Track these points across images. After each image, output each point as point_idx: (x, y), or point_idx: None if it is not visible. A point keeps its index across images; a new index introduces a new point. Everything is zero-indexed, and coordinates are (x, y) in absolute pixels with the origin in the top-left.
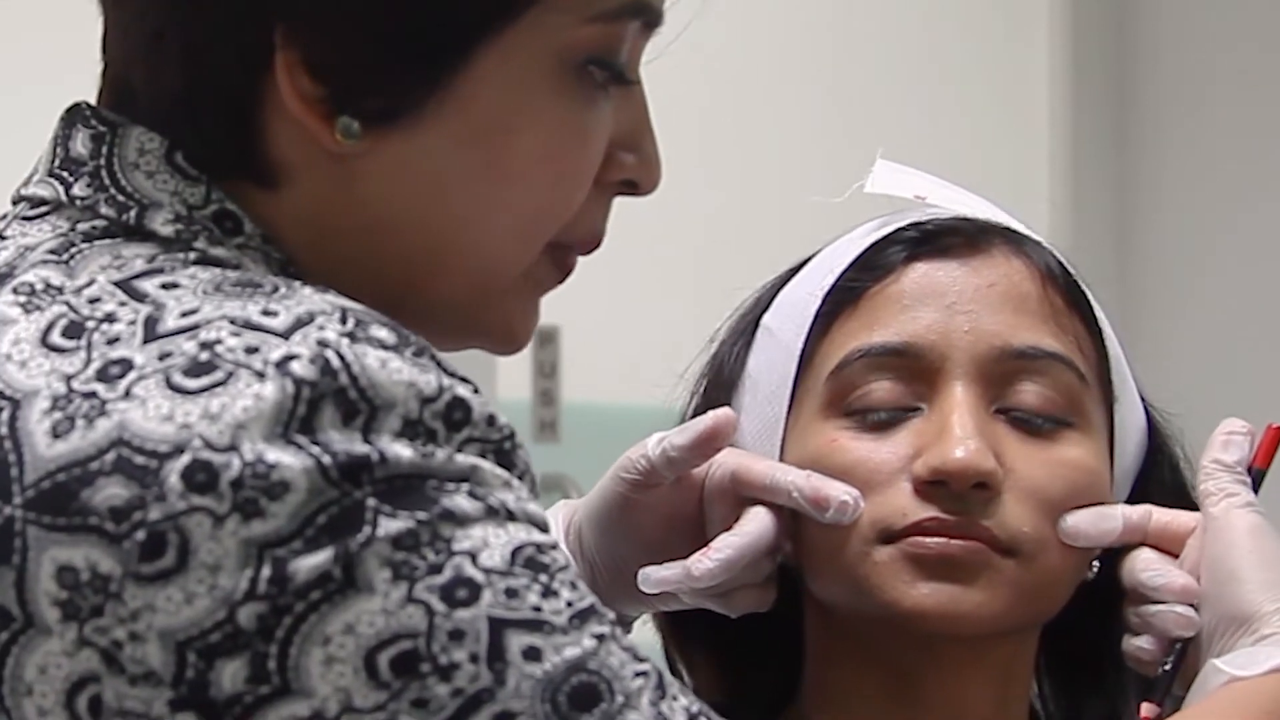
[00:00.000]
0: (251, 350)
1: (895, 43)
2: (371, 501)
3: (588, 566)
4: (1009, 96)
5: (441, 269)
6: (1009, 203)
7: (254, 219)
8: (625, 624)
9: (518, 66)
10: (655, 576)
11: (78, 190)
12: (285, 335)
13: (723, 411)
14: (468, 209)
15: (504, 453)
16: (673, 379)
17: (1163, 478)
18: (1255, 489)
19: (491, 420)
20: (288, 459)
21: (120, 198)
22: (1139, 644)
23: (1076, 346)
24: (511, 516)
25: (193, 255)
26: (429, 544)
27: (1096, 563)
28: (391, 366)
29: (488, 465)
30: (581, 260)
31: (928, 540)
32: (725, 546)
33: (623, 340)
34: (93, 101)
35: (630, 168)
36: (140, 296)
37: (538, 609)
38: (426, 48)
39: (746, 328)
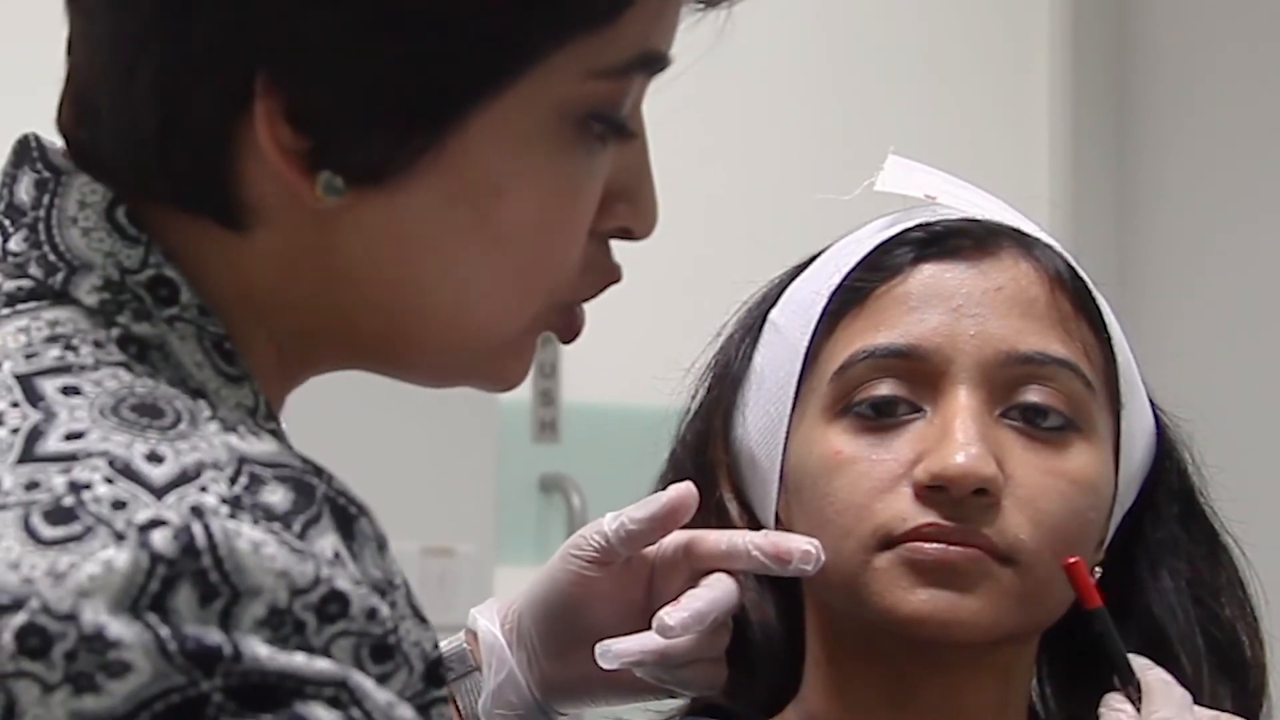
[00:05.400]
0: (118, 505)
1: (896, 43)
2: (218, 697)
3: (526, 654)
4: (1009, 96)
5: (423, 322)
6: (1009, 203)
7: (216, 262)
8: None
9: (514, 125)
10: (617, 649)
11: (13, 245)
12: (160, 493)
13: (684, 486)
14: (453, 267)
15: (385, 648)
16: (673, 379)
17: (1170, 483)
18: (1102, 629)
19: (373, 614)
20: (130, 637)
21: (51, 257)
22: None
23: (1083, 352)
24: None
25: (115, 332)
26: None
27: (1099, 568)
28: (265, 553)
29: (358, 675)
30: None
31: (927, 546)
32: (695, 598)
33: (623, 340)
34: (54, 112)
35: (625, 215)
36: (35, 399)
37: None
38: (420, 106)
39: (754, 322)
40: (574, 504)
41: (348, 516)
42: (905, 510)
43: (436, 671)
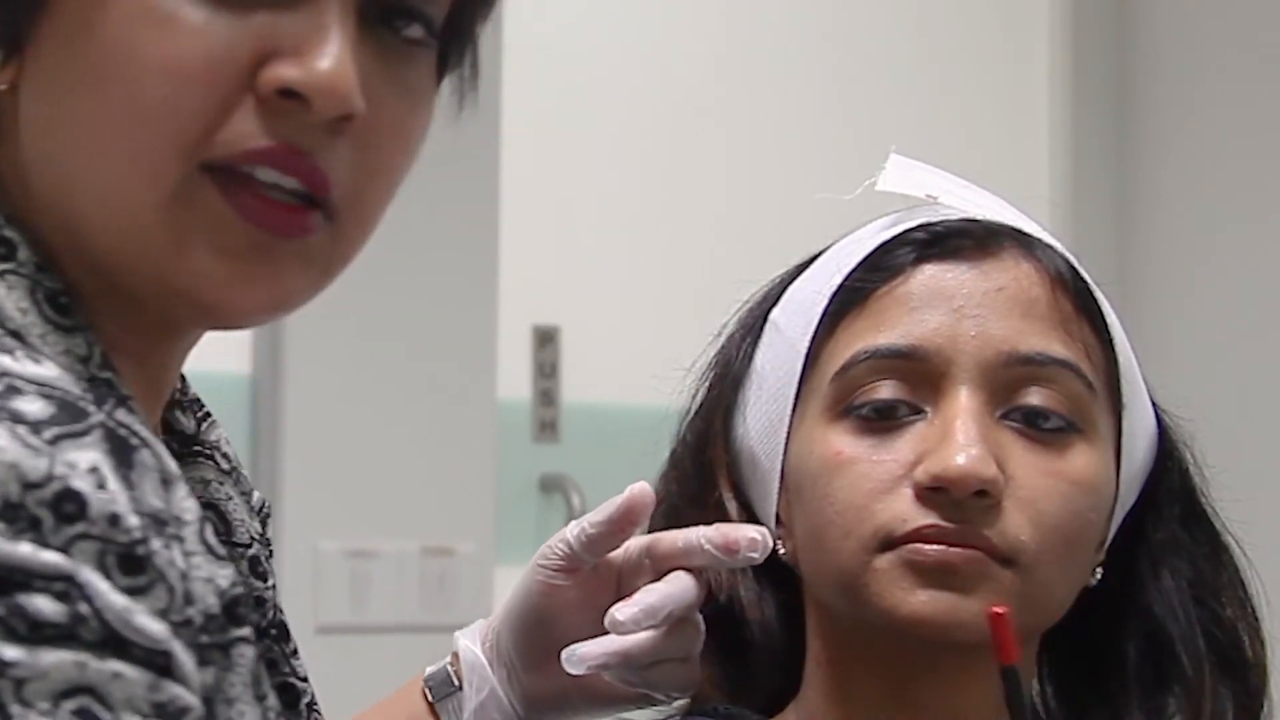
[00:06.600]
0: None
1: (897, 43)
2: None
3: (506, 670)
4: (1009, 96)
5: (77, 204)
6: (1009, 203)
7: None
8: None
9: None
10: (581, 652)
11: None
12: None
13: (639, 486)
14: (73, 126)
15: (132, 557)
16: (673, 379)
17: (1172, 483)
18: (1016, 687)
19: (115, 520)
20: None
21: None
22: None
23: (1085, 353)
24: (104, 642)
25: None
26: None
27: (1100, 569)
28: None
29: (90, 571)
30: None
31: (927, 548)
32: (648, 593)
33: (623, 340)
34: None
35: (286, 71)
36: None
37: None
38: None
39: (755, 322)
40: (574, 504)
41: (128, 446)
42: (905, 511)
43: (235, 610)
